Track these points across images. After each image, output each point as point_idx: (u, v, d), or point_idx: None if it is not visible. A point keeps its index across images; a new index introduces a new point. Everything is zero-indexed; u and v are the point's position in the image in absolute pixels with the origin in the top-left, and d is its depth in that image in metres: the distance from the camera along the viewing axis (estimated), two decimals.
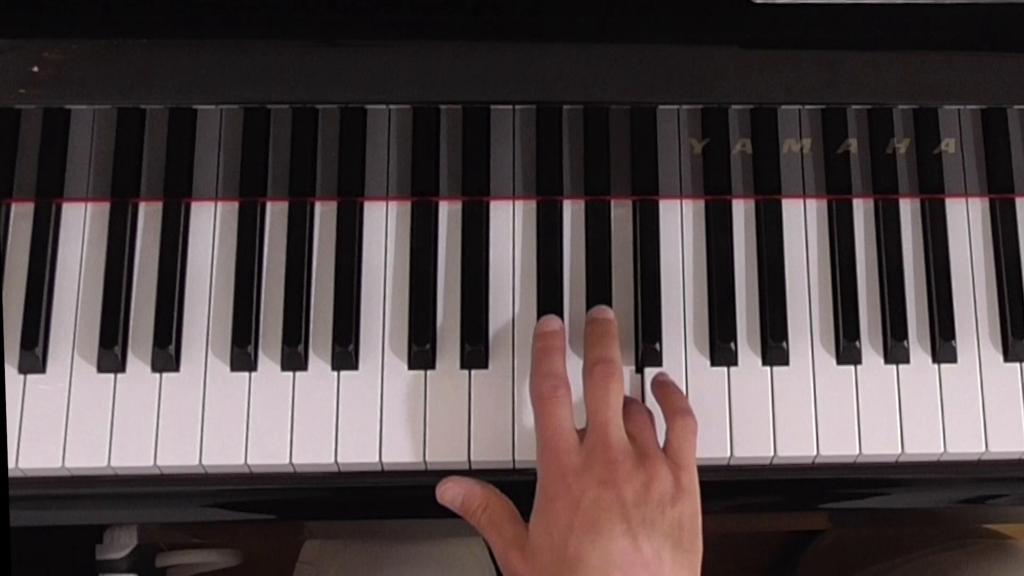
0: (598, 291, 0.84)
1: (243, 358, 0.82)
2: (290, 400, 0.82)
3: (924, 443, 0.83)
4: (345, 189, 0.85)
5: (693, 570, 0.75)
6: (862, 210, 0.87)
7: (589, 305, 0.84)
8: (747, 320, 0.85)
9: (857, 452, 0.83)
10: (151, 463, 0.81)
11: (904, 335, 0.84)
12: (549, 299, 0.84)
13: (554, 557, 0.74)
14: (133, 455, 0.81)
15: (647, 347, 0.83)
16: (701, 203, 0.87)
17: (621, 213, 0.86)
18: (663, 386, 0.82)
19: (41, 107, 0.80)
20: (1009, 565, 1.02)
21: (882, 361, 0.84)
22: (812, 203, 0.87)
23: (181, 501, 0.84)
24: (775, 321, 0.84)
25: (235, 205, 0.85)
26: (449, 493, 0.80)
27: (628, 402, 0.80)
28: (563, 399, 0.78)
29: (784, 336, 0.84)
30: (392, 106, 0.82)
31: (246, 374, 0.83)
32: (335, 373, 0.83)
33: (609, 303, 0.84)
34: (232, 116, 0.82)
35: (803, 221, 0.87)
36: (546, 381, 0.78)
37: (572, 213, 0.86)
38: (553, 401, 0.77)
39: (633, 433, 0.77)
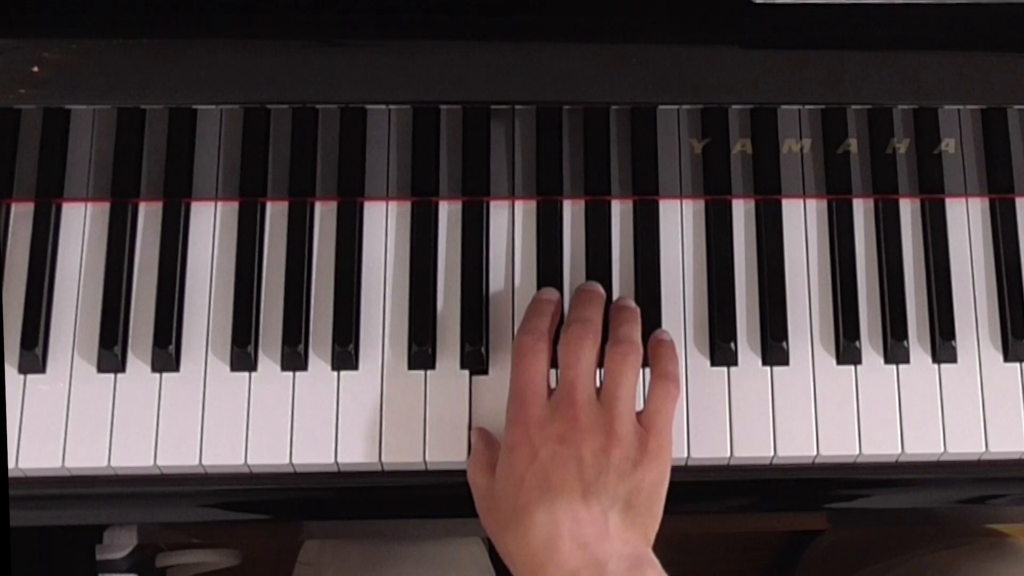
0: None
1: (243, 358, 0.82)
2: (290, 400, 0.82)
3: (924, 443, 0.83)
4: (345, 189, 0.85)
5: (645, 534, 0.74)
6: (862, 210, 0.87)
7: None
8: (747, 320, 0.85)
9: (857, 452, 0.83)
10: (151, 463, 0.81)
11: (904, 335, 0.84)
12: None
13: (508, 505, 0.74)
14: (133, 455, 0.81)
15: (647, 347, 0.83)
16: (701, 203, 0.87)
17: (621, 213, 0.86)
18: (660, 344, 0.81)
19: (41, 107, 0.80)
20: (1009, 563, 1.02)
21: (882, 361, 0.84)
22: (812, 203, 0.87)
23: (181, 501, 0.84)
24: (775, 321, 0.84)
25: (235, 205, 0.85)
26: (471, 439, 0.80)
27: (615, 343, 0.79)
28: (541, 353, 0.77)
29: (784, 336, 0.84)
30: (392, 106, 0.82)
31: (246, 374, 0.83)
32: (335, 373, 0.83)
33: (609, 303, 0.84)
34: (232, 116, 0.82)
35: (803, 221, 0.87)
36: (528, 335, 0.78)
37: (572, 213, 0.86)
38: (531, 353, 0.77)
39: (609, 388, 0.76)
